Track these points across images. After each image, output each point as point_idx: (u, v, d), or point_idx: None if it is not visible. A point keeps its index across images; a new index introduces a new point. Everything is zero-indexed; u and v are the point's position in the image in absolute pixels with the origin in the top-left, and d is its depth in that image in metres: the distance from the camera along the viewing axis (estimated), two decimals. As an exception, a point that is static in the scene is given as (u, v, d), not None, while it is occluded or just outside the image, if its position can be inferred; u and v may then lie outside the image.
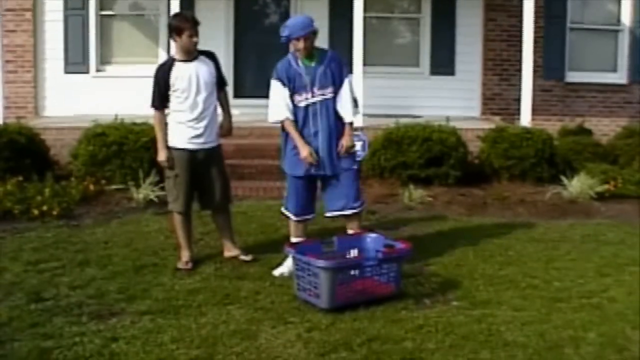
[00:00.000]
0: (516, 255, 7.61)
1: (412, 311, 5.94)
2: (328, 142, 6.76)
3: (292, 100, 6.76)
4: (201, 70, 6.94)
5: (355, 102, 6.88)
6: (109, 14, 13.46)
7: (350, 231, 6.92)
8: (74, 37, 13.19)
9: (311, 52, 6.73)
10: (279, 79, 6.76)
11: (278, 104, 6.76)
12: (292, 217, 7.03)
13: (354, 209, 6.88)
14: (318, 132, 6.76)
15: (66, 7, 13.14)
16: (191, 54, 6.94)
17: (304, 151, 6.70)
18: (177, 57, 6.98)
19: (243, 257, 7.19)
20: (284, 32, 6.65)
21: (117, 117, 10.89)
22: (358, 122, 11.54)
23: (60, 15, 13.15)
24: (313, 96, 6.72)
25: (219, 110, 7.24)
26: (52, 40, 13.17)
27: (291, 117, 6.76)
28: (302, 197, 6.94)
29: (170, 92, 6.90)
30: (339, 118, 6.79)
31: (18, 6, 12.96)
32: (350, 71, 6.90)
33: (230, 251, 7.31)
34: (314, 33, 6.68)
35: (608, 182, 10.56)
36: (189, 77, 6.87)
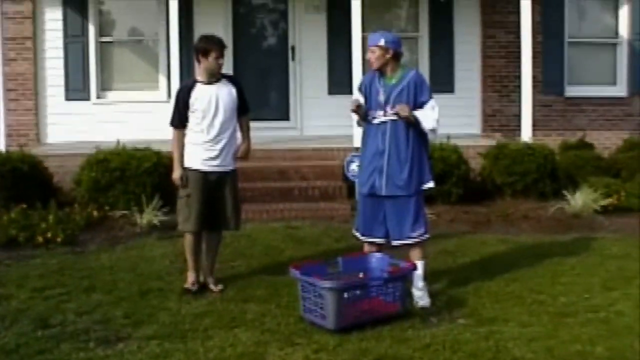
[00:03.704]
0: (521, 271, 7.60)
1: (419, 330, 5.94)
2: (393, 163, 6.61)
3: (367, 116, 6.73)
4: (222, 93, 6.99)
5: (434, 130, 6.68)
6: (109, 41, 13.51)
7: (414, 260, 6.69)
8: (74, 64, 13.24)
9: (393, 70, 6.69)
10: (359, 89, 6.95)
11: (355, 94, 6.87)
12: (359, 236, 6.92)
13: (410, 238, 6.69)
14: (384, 151, 6.64)
15: (66, 35, 13.20)
16: (214, 76, 6.99)
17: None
18: (199, 78, 7.03)
19: (213, 287, 7.10)
20: None
21: (119, 142, 10.92)
22: (358, 142, 11.64)
23: (60, 43, 13.19)
24: (385, 115, 6.63)
25: (239, 135, 7.27)
26: (52, 68, 13.20)
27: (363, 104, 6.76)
28: (366, 217, 6.81)
29: (189, 113, 6.95)
30: (408, 142, 6.63)
31: (18, 34, 13.00)
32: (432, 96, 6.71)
33: (203, 277, 7.22)
34: (387, 49, 6.62)
35: (611, 196, 10.55)
36: (208, 98, 6.91)
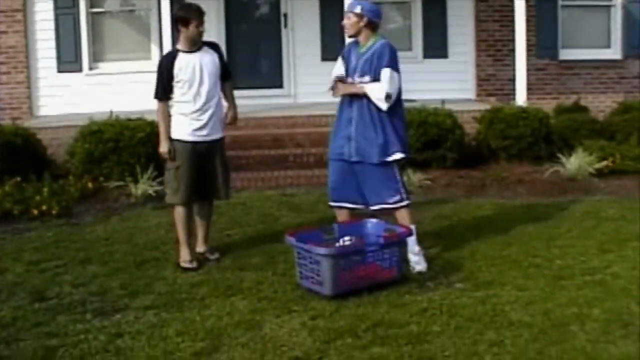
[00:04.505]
0: (517, 235, 7.61)
1: (416, 295, 5.95)
2: (360, 131, 6.62)
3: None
4: (205, 60, 6.89)
5: (388, 96, 6.49)
6: (100, 11, 13.39)
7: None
8: (65, 36, 13.12)
9: (366, 39, 6.67)
10: (342, 56, 6.91)
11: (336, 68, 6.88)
12: (330, 202, 6.95)
13: (387, 204, 6.68)
14: (352, 119, 6.67)
15: (56, 6, 13.06)
16: (196, 44, 6.89)
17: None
18: (181, 47, 6.91)
19: (209, 256, 7.10)
20: None
21: (112, 113, 10.87)
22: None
23: (51, 15, 13.07)
24: (353, 83, 6.67)
25: (224, 103, 7.21)
26: (44, 40, 13.08)
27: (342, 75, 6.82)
28: (334, 181, 6.82)
29: (174, 83, 6.83)
30: (372, 111, 6.58)
31: (8, 7, 12.87)
32: (392, 65, 6.54)
33: (199, 247, 7.22)
34: (361, 17, 6.58)
35: (606, 159, 10.55)
36: (192, 67, 6.81)
